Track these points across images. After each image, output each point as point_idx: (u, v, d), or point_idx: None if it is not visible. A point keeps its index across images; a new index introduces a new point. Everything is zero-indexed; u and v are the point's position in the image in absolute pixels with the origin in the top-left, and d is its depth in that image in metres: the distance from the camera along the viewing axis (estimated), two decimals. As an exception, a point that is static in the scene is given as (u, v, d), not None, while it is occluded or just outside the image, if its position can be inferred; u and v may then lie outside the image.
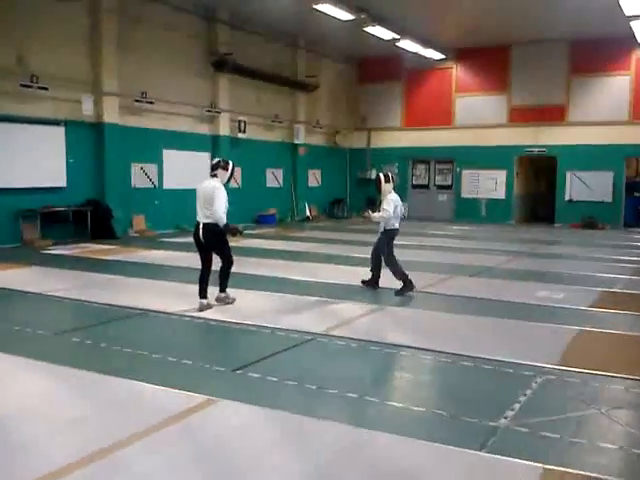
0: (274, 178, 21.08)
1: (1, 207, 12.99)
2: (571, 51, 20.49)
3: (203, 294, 7.37)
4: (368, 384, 4.98)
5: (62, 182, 14.18)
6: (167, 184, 16.95)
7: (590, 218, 20.06)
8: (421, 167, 23.54)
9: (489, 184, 22.31)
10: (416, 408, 4.41)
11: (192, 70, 17.37)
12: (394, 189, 8.73)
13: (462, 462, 3.60)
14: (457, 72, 22.58)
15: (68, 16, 14.05)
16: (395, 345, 5.94)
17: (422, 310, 7.69)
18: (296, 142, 21.53)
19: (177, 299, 7.84)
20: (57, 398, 4.53)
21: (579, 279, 10.02)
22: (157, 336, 6.39)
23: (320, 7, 15.73)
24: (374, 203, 9.89)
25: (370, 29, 17.88)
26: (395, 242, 8.76)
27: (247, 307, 7.55)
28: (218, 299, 7.57)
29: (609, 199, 20.40)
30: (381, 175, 8.63)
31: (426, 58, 21.63)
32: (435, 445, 3.76)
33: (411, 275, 8.50)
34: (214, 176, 7.43)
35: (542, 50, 20.74)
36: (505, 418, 4.17)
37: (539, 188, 24.13)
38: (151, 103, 15.83)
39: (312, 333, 6.33)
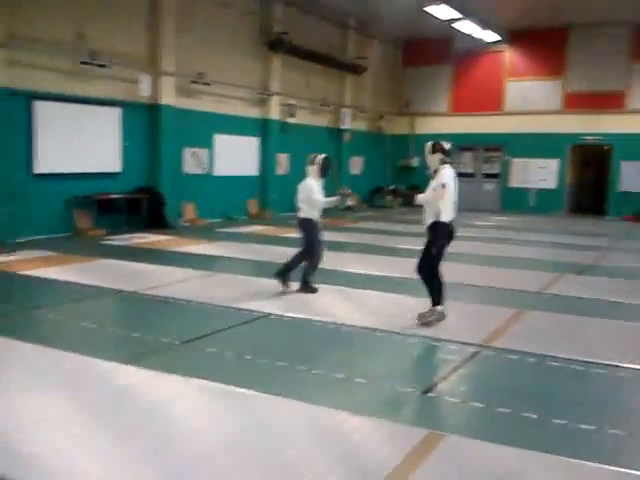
0: (319, 165, 20.20)
1: (54, 194, 12.17)
2: (633, 35, 19.51)
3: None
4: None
5: (117, 167, 13.36)
6: (217, 170, 16.14)
7: (646, 211, 19.21)
8: (468, 155, 22.64)
9: (539, 173, 21.43)
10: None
11: (247, 50, 16.50)
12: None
13: None
14: (510, 55, 21.59)
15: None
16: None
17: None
18: (342, 127, 20.67)
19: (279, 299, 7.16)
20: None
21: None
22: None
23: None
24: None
25: (433, 8, 16.91)
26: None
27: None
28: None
29: (665, 190, 19.55)
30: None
31: (477, 40, 20.60)
32: None
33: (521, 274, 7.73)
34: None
35: (602, 33, 19.76)
36: None
37: (589, 178, 23.24)
38: (207, 85, 14.98)
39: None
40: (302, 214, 7.52)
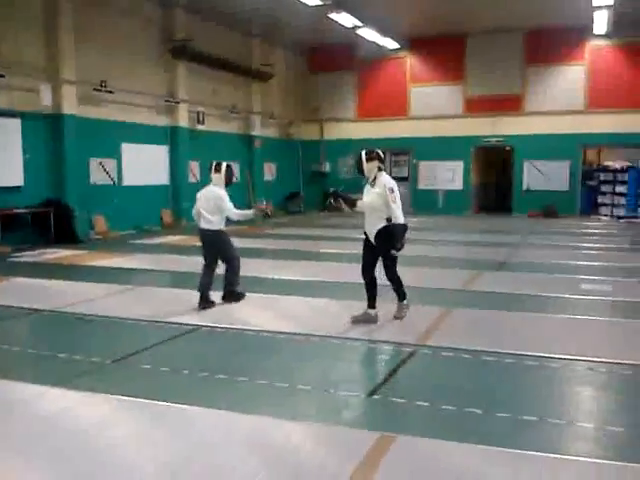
0: (231, 172, 20.00)
1: (-49, 210, 11.43)
2: (526, 41, 20.55)
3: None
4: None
5: (19, 181, 12.67)
6: (127, 180, 15.64)
7: (551, 206, 20.27)
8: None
9: (446, 175, 22.18)
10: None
11: (150, 58, 16.15)
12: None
13: None
14: (412, 62, 22.22)
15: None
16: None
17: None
18: (252, 134, 20.56)
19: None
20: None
21: (599, 270, 9.79)
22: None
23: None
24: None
25: (334, 15, 17.20)
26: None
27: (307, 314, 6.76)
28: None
29: (566, 188, 20.70)
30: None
31: (380, 47, 21.14)
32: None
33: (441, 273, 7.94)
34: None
35: (497, 40, 20.70)
36: None
37: (492, 178, 24.28)
38: (111, 92, 14.47)
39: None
40: (213, 226, 7.03)
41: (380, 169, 6.28)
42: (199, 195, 7.23)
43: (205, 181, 18.79)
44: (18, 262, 10.83)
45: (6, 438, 3.74)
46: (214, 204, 6.99)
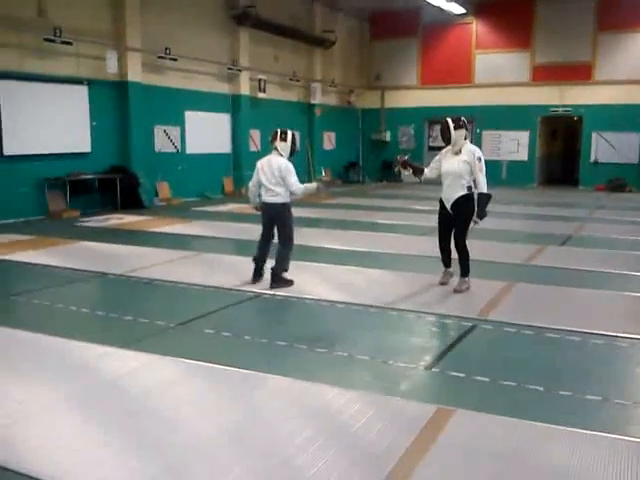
0: (292, 141, 20.02)
1: (24, 176, 11.84)
2: (598, 7, 19.62)
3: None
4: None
5: (87, 147, 13.02)
6: (190, 149, 15.87)
7: (618, 179, 19.53)
8: (438, 128, 22.56)
9: (511, 145, 21.58)
10: None
11: (213, 25, 16.16)
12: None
13: None
14: (477, 28, 21.54)
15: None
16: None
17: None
18: (313, 102, 20.46)
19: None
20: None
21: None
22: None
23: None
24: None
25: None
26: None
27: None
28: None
29: (635, 160, 19.86)
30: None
31: (444, 12, 20.54)
32: None
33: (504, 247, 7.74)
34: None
35: (568, 5, 19.86)
36: None
37: (559, 149, 23.52)
38: (174, 60, 14.62)
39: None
40: (278, 199, 6.53)
41: (465, 137, 6.33)
42: (260, 165, 6.61)
43: (266, 149, 19.02)
44: (86, 227, 11.20)
45: (74, 397, 3.90)
46: (279, 175, 6.46)
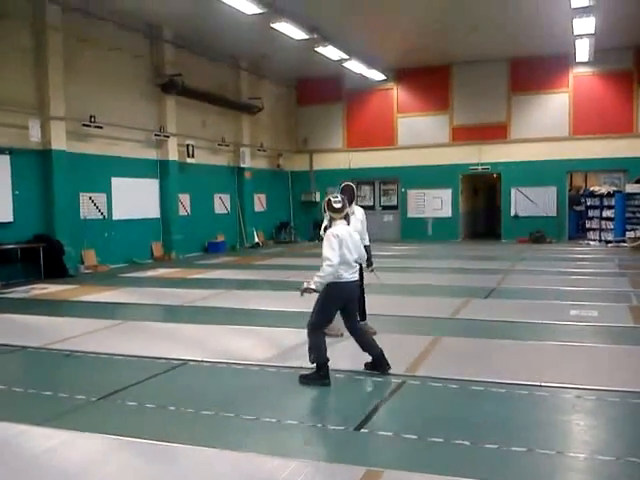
0: (222, 204, 20.10)
1: (-60, 247, 11.40)
2: (511, 70, 20.93)
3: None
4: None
5: (9, 217, 12.67)
6: (117, 214, 15.66)
7: (538, 232, 20.41)
8: (365, 188, 23.23)
9: (435, 203, 22.34)
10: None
11: (140, 92, 16.28)
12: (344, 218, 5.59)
13: None
14: (398, 93, 22.54)
15: (10, 34, 12.74)
16: (498, 383, 5.35)
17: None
18: (242, 165, 20.68)
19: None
20: None
21: (587, 296, 9.82)
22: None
23: (277, 26, 15.13)
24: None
25: (321, 49, 17.47)
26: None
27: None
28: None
29: (554, 213, 20.87)
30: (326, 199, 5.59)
31: (367, 79, 21.42)
32: None
33: (430, 301, 7.93)
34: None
35: (482, 69, 21.10)
36: None
37: (480, 205, 24.47)
38: (100, 128, 14.55)
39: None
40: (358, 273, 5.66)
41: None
42: (342, 236, 5.42)
43: (195, 213, 19.13)
44: (7, 298, 10.78)
45: (-11, 480, 3.69)
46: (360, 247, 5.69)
